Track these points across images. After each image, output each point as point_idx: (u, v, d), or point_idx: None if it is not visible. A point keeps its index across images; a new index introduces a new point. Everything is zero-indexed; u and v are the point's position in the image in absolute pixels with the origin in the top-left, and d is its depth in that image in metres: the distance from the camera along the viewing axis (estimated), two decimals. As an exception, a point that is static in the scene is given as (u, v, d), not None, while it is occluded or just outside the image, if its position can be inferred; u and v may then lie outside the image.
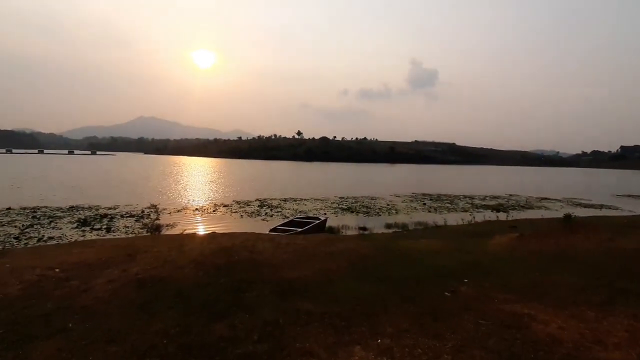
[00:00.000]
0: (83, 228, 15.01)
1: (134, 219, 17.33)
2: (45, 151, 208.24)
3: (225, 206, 22.37)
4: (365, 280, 5.20)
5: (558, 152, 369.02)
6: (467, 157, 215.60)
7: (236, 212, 20.38)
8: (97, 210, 19.44)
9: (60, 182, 35.13)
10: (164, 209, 20.29)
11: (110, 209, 19.99)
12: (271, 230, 13.14)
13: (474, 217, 18.04)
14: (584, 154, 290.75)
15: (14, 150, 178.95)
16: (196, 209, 20.72)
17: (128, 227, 15.44)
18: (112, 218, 17.32)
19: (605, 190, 45.78)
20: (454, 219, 17.85)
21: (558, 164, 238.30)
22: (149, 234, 10.61)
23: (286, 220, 15.81)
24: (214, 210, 20.47)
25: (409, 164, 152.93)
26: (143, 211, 19.40)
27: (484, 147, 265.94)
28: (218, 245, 6.53)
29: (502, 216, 19.11)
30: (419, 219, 18.64)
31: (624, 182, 67.66)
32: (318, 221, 15.16)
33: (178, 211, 19.94)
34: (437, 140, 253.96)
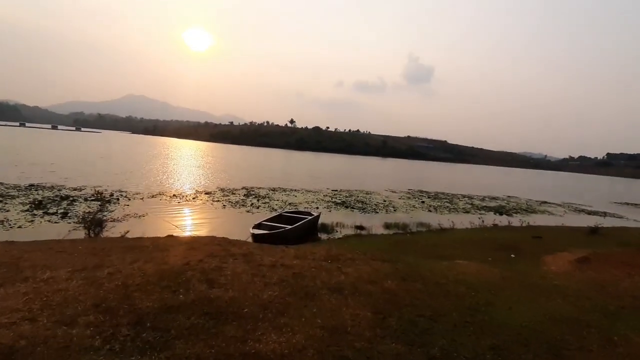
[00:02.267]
0: (34, 212, 12.77)
1: (99, 202, 15.12)
2: (27, 124, 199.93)
3: (207, 194, 20.23)
4: (411, 360, 2.97)
5: (546, 156, 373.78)
6: (458, 155, 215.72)
7: (218, 200, 18.28)
8: (59, 190, 17.11)
9: (30, 157, 32.31)
10: (137, 193, 18.11)
11: (75, 190, 17.67)
12: (255, 227, 11.17)
13: (482, 221, 16.33)
14: (571, 158, 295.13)
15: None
16: (173, 195, 18.53)
17: (90, 213, 13.24)
18: (73, 201, 15.07)
19: (600, 197, 45.04)
20: (459, 221, 16.13)
21: (546, 167, 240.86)
22: (86, 233, 8.24)
23: (273, 214, 13.84)
24: (193, 198, 18.33)
25: (401, 159, 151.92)
26: (112, 194, 17.17)
27: (475, 146, 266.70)
28: (160, 267, 4.24)
29: (512, 221, 17.42)
30: (420, 219, 16.92)
31: (616, 189, 67.60)
32: (310, 217, 13.24)
33: (152, 197, 17.73)
34: (429, 136, 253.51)
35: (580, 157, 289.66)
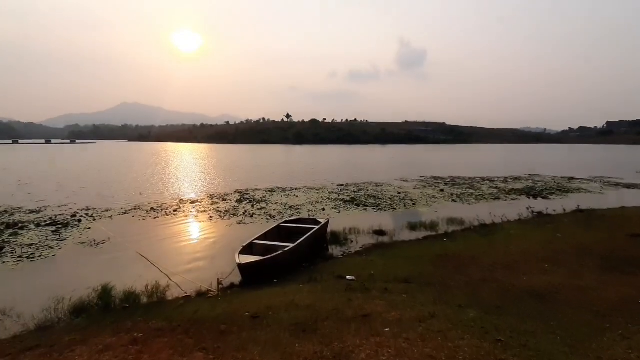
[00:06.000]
0: (-40, 249, 9.83)
1: (53, 228, 12.16)
2: (20, 141, 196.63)
3: (193, 202, 17.26)
4: None
5: (545, 129, 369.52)
6: (458, 136, 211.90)
7: (205, 210, 15.32)
8: (11, 214, 14.16)
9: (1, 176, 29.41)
10: (107, 210, 15.13)
11: (32, 212, 14.71)
12: (243, 250, 8.18)
13: (532, 211, 13.26)
14: (571, 130, 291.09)
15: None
16: (152, 209, 15.52)
17: (34, 244, 10.32)
18: (22, 227, 12.11)
19: (621, 167, 41.89)
20: (499, 212, 13.11)
21: (547, 140, 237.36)
22: None
23: (269, 227, 10.77)
24: (175, 210, 15.34)
25: (400, 145, 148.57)
26: (75, 215, 14.19)
27: (474, 125, 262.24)
28: None
29: (564, 205, 14.39)
30: (449, 213, 13.93)
31: (628, 158, 64.39)
32: (317, 227, 10.24)
33: (125, 213, 14.75)
34: (427, 120, 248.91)
35: (580, 127, 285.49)
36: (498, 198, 18.56)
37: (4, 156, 61.18)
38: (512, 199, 18.19)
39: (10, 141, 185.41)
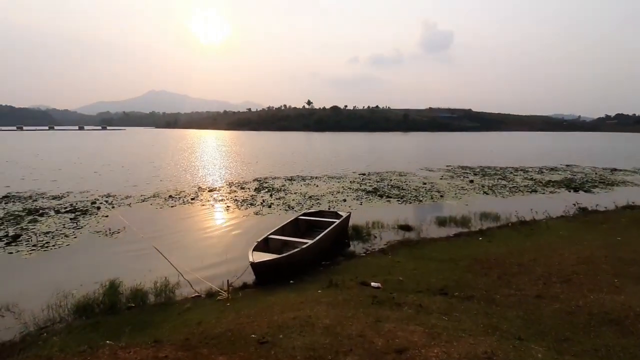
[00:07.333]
0: (-21, 235, 9.81)
1: (72, 215, 12.07)
2: (56, 127, 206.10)
3: (211, 191, 16.94)
4: None
5: (580, 116, 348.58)
6: (485, 123, 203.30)
7: (223, 199, 14.92)
8: (35, 200, 14.27)
9: (36, 161, 30.38)
10: (127, 197, 15.02)
11: (55, 198, 14.79)
12: (257, 246, 7.55)
13: (578, 206, 11.98)
14: (608, 117, 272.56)
15: (25, 128, 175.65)
16: (170, 197, 15.28)
17: (51, 232, 10.18)
18: (42, 214, 12.08)
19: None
20: (539, 206, 11.91)
21: (581, 128, 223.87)
22: None
23: (288, 219, 10.04)
24: (192, 199, 15.02)
25: (424, 132, 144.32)
26: (95, 202, 14.12)
27: (502, 112, 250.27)
28: None
29: (600, 200, 13.01)
30: (480, 207, 12.82)
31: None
32: (337, 220, 9.50)
33: (143, 200, 14.56)
34: (452, 106, 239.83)
35: (618, 115, 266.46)
36: (535, 191, 17.12)
37: (39, 142, 63.74)
38: (550, 192, 16.74)
39: (47, 127, 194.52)
